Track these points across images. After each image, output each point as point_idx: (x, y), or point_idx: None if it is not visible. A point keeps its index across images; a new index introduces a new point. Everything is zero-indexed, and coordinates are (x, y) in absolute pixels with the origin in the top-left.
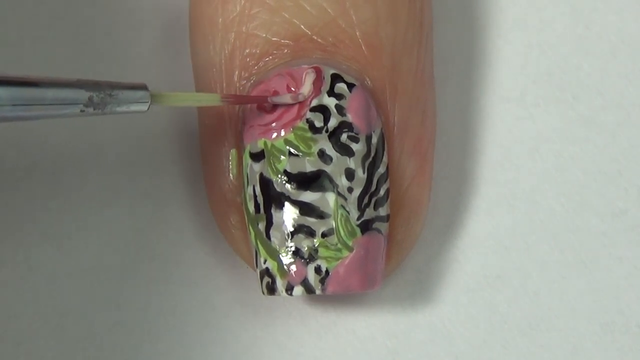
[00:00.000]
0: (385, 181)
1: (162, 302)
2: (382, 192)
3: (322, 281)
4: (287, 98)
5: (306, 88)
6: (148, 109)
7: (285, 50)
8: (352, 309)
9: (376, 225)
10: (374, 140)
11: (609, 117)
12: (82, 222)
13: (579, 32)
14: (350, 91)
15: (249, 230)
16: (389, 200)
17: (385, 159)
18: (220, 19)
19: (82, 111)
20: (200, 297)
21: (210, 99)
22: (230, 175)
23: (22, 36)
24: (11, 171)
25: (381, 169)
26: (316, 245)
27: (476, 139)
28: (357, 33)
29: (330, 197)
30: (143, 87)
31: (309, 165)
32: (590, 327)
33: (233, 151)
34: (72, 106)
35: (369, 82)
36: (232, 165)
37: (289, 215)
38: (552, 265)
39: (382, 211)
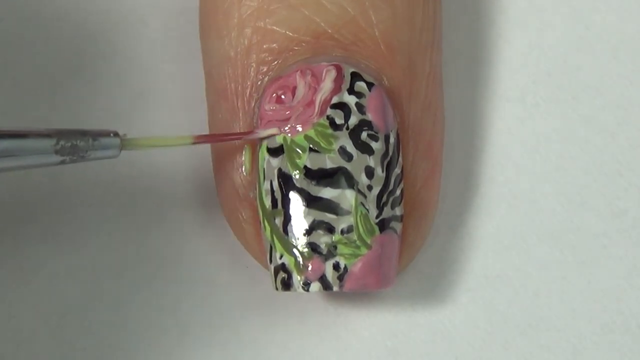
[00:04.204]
0: (400, 182)
1: (162, 302)
2: (398, 192)
3: (340, 278)
4: (273, 130)
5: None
6: (119, 154)
7: (305, 47)
8: (352, 309)
9: (392, 224)
10: (392, 140)
11: (609, 117)
12: (82, 222)
13: (579, 32)
14: (369, 90)
15: (264, 225)
16: (403, 200)
17: (400, 159)
18: (237, 14)
19: (60, 161)
20: (200, 296)
21: (181, 141)
22: (244, 170)
23: (22, 35)
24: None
25: (397, 170)
26: (335, 242)
27: (476, 139)
28: (376, 32)
29: (350, 194)
30: (114, 134)
31: (330, 161)
32: (590, 327)
33: (247, 146)
34: (43, 156)
35: (386, 82)
36: (245, 160)
37: (307, 210)
38: (552, 265)
39: (398, 211)
